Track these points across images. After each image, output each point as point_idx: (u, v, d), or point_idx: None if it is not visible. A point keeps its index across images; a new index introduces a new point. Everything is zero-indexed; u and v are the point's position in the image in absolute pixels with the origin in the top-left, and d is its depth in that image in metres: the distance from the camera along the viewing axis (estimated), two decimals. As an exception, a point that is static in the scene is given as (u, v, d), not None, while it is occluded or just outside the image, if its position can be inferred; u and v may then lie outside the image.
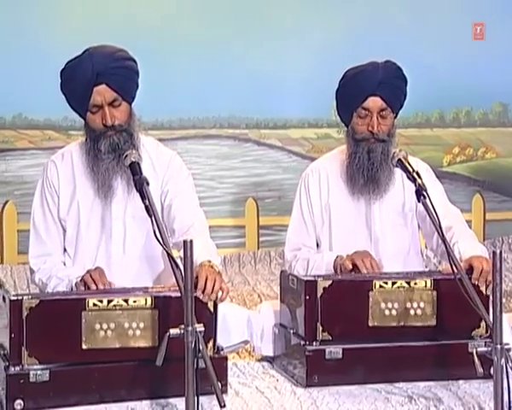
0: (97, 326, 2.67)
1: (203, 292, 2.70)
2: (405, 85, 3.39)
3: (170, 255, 2.53)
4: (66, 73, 3.10)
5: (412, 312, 2.95)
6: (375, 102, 3.30)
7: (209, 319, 2.71)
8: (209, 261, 2.83)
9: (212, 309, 2.74)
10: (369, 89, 3.29)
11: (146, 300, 2.71)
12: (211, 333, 2.72)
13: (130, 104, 3.14)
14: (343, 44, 5.48)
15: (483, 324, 2.93)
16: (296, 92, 5.59)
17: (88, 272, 2.98)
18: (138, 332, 2.70)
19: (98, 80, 3.03)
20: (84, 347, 2.66)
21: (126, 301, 2.70)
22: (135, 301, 2.71)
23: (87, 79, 3.03)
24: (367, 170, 3.31)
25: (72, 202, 3.17)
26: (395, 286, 2.94)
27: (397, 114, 3.41)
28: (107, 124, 3.06)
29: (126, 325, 2.69)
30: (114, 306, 2.69)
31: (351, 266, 3.15)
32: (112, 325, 2.68)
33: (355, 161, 3.33)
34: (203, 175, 5.50)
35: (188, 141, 5.58)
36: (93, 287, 2.91)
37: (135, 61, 3.16)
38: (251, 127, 5.71)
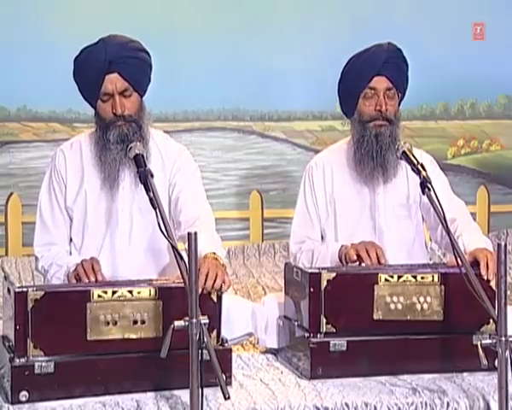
0: (102, 318, 2.67)
1: (202, 289, 2.70)
2: (407, 68, 3.40)
3: (174, 247, 2.53)
4: (79, 61, 3.11)
5: (419, 306, 2.93)
6: (381, 82, 3.31)
7: (213, 309, 2.72)
8: (213, 253, 2.83)
9: (215, 300, 2.75)
10: (375, 68, 3.30)
11: (150, 291, 2.72)
12: (214, 323, 2.73)
13: (141, 96, 3.14)
14: (348, 37, 5.45)
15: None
16: (300, 85, 5.57)
17: (81, 262, 2.97)
18: (143, 323, 2.70)
19: (110, 68, 3.04)
20: (88, 338, 2.67)
21: (131, 292, 2.71)
22: (139, 293, 2.71)
23: (99, 67, 3.03)
24: (376, 153, 3.30)
25: (80, 192, 3.17)
26: (401, 280, 2.93)
27: (401, 100, 3.41)
28: (116, 113, 3.06)
29: (131, 316, 2.70)
30: (119, 297, 2.70)
31: (355, 257, 3.14)
32: (116, 317, 2.69)
33: (363, 145, 3.32)
34: (207, 167, 5.48)
35: (192, 133, 5.57)
36: (84, 279, 2.90)
37: (148, 54, 3.16)
38: (255, 120, 5.70)
